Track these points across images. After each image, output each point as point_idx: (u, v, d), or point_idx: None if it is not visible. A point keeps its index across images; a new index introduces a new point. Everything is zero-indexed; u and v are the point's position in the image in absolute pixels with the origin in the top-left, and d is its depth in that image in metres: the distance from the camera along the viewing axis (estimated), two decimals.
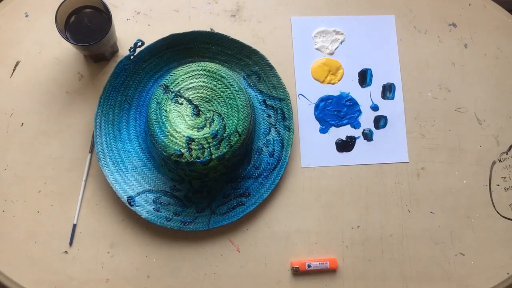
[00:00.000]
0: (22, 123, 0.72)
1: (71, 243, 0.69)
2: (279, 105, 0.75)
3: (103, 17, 0.67)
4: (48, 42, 0.74)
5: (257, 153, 0.73)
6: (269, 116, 0.75)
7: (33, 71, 0.73)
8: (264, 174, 0.73)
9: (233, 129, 0.65)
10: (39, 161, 0.71)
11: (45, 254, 0.69)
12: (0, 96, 0.72)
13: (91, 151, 0.72)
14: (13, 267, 0.68)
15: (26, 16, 0.75)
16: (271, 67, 0.75)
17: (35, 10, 0.75)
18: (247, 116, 0.66)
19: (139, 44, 0.70)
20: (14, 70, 0.73)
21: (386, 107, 0.78)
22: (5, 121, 0.72)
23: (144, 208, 0.69)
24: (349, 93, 0.78)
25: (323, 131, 0.76)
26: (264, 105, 0.75)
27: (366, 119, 0.77)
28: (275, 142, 0.74)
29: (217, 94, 0.67)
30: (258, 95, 0.75)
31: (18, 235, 0.69)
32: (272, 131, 0.74)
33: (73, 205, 0.70)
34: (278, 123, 0.74)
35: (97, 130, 0.70)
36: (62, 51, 0.74)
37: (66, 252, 0.69)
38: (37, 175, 0.71)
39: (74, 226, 0.70)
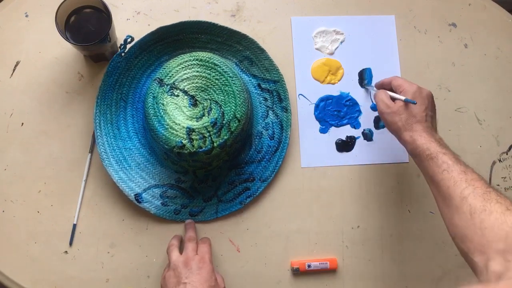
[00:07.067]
0: (22, 123, 0.72)
1: (71, 243, 0.69)
2: (274, 87, 0.75)
3: (103, 17, 0.67)
4: (48, 42, 0.74)
5: (258, 137, 0.74)
6: (265, 99, 0.75)
7: (33, 71, 0.73)
8: (267, 157, 0.73)
9: (231, 115, 0.65)
10: (39, 161, 0.71)
11: (45, 254, 0.69)
12: (0, 96, 0.72)
13: (91, 151, 0.72)
14: (13, 267, 0.68)
15: (26, 16, 0.75)
16: (262, 51, 0.75)
17: (35, 10, 0.75)
18: (244, 101, 0.67)
19: (129, 40, 0.69)
20: (14, 70, 0.73)
21: None
22: (5, 121, 0.71)
23: (152, 203, 0.70)
24: (349, 93, 0.78)
25: (323, 131, 0.76)
26: (259, 89, 0.75)
27: (366, 119, 0.77)
28: (274, 124, 0.74)
29: (212, 82, 0.67)
30: (252, 80, 0.75)
31: (18, 235, 0.69)
32: (270, 113, 0.75)
33: (73, 205, 0.70)
34: (275, 105, 0.75)
35: (98, 130, 0.70)
36: (62, 51, 0.74)
37: (66, 252, 0.69)
38: (37, 175, 0.71)
39: (74, 226, 0.70)
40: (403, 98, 0.64)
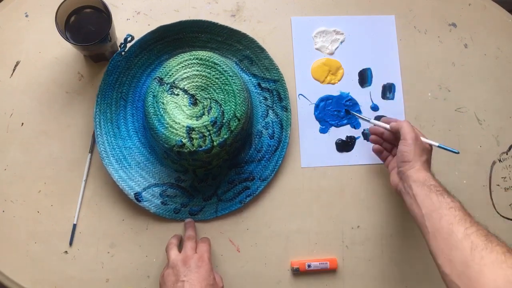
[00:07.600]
0: (22, 123, 0.72)
1: (71, 243, 0.69)
2: (274, 87, 0.75)
3: (103, 17, 0.67)
4: (48, 42, 0.74)
5: (258, 137, 0.74)
6: (265, 98, 0.75)
7: (33, 71, 0.73)
8: (267, 156, 0.73)
9: (231, 114, 0.66)
10: (39, 161, 0.71)
11: (45, 254, 0.69)
12: (0, 96, 0.72)
13: (91, 151, 0.72)
14: (13, 267, 0.68)
15: (26, 16, 0.75)
16: (262, 50, 0.75)
17: (35, 10, 0.75)
18: (244, 100, 0.67)
19: (129, 39, 0.69)
20: (14, 70, 0.73)
21: (386, 107, 0.78)
22: (5, 121, 0.72)
23: (152, 202, 0.70)
24: (349, 93, 0.78)
25: (323, 131, 0.76)
26: (259, 88, 0.75)
27: None
28: (274, 123, 0.74)
29: (212, 81, 0.67)
30: (252, 79, 0.75)
31: (18, 235, 0.69)
32: (270, 113, 0.75)
33: (73, 205, 0.70)
34: (275, 104, 0.75)
35: (97, 129, 0.70)
36: (62, 51, 0.74)
37: (66, 252, 0.69)
38: (37, 175, 0.71)
39: (74, 226, 0.70)
40: (437, 144, 0.67)
